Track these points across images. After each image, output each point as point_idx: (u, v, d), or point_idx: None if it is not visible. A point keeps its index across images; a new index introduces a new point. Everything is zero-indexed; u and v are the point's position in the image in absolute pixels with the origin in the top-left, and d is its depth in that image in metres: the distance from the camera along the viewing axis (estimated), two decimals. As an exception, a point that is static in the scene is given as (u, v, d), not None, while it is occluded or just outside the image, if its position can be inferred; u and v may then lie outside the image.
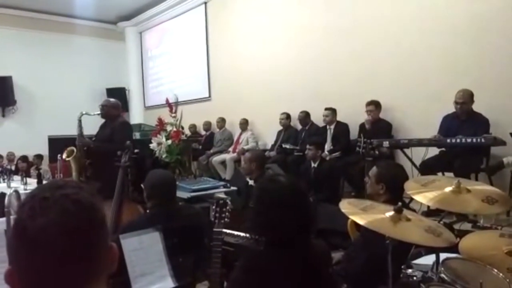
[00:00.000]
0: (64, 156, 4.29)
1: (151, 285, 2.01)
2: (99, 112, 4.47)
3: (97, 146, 4.29)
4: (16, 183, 5.20)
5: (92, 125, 4.58)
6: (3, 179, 5.51)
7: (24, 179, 5.22)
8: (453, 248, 1.82)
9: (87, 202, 0.75)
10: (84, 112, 4.44)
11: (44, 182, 5.14)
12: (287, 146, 6.22)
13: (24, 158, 8.06)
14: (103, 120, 4.68)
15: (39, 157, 8.30)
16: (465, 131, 4.07)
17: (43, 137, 8.62)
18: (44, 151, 8.37)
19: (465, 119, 4.25)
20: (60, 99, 9.59)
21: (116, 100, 4.77)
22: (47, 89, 9.61)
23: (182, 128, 5.04)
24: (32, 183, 5.12)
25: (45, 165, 8.09)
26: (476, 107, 4.27)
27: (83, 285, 0.73)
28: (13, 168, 7.68)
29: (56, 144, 8.17)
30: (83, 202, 0.74)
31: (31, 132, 9.19)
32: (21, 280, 0.72)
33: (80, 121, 4.43)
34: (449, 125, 4.34)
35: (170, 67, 10.04)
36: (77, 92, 9.70)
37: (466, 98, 4.21)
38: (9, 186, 4.92)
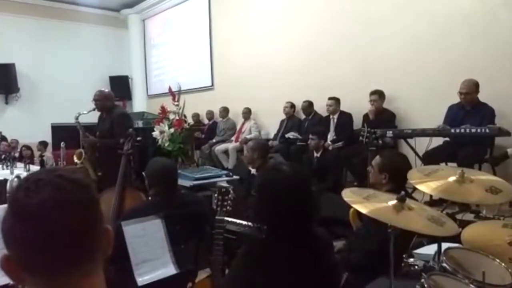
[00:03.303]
0: (75, 160, 4.30)
1: (153, 272, 2.02)
2: (94, 108, 4.43)
3: (102, 144, 4.30)
4: (19, 170, 5.22)
5: (91, 114, 4.54)
6: (6, 166, 5.53)
7: (28, 165, 5.25)
8: (455, 238, 1.82)
9: (81, 181, 0.76)
10: (80, 113, 4.40)
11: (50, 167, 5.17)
12: (290, 136, 6.20)
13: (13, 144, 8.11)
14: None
15: (43, 143, 8.32)
16: (470, 121, 4.05)
17: (46, 124, 8.63)
18: (47, 138, 8.40)
19: (470, 109, 4.22)
20: (63, 87, 9.59)
21: (108, 90, 4.72)
22: (50, 76, 9.59)
23: (185, 116, 5.03)
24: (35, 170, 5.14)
25: (48, 153, 8.11)
26: (482, 97, 4.24)
27: (78, 265, 0.74)
28: (16, 155, 7.70)
29: (59, 131, 8.19)
30: (78, 180, 0.75)
31: (34, 120, 9.20)
32: (17, 264, 0.72)
33: (78, 122, 4.40)
34: (455, 114, 4.31)
35: (173, 56, 9.99)
36: (80, 79, 9.68)
37: (470, 88, 4.18)
38: (12, 173, 4.95)
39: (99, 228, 0.77)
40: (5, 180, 4.41)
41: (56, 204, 0.70)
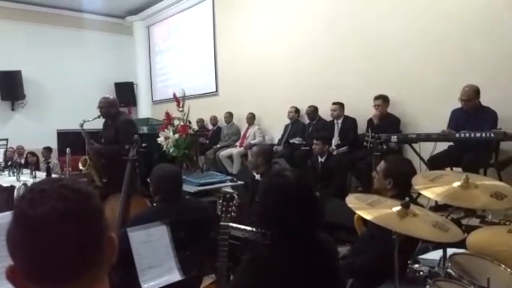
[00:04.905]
0: (80, 167, 4.31)
1: (158, 278, 2.02)
2: (99, 115, 4.45)
3: (106, 150, 4.31)
4: (26, 176, 5.25)
5: (96, 121, 4.55)
6: (13, 173, 5.57)
7: (34, 172, 5.28)
8: (460, 244, 1.81)
9: (85, 190, 0.77)
10: (84, 120, 4.41)
11: (54, 175, 5.20)
12: (296, 141, 6.20)
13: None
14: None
15: (48, 149, 8.38)
16: (472, 125, 4.04)
17: (52, 131, 8.69)
18: (53, 144, 8.45)
19: (473, 113, 4.22)
20: (69, 93, 9.67)
21: (113, 97, 4.73)
22: (56, 83, 9.68)
23: (190, 122, 5.04)
24: (41, 177, 5.17)
25: (54, 159, 8.16)
26: (487, 101, 4.23)
27: (84, 274, 0.74)
28: (22, 161, 7.76)
29: (65, 138, 8.25)
30: (81, 190, 0.76)
31: (40, 126, 9.27)
32: (23, 275, 0.72)
33: (83, 129, 4.40)
34: (458, 118, 4.31)
35: (177, 62, 10.06)
36: (86, 86, 9.74)
37: (470, 95, 4.18)
38: (18, 180, 4.98)
39: (103, 237, 0.78)
40: (12, 187, 4.44)
41: (60, 214, 0.71)
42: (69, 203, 0.72)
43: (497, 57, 4.55)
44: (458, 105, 4.36)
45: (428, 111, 5.06)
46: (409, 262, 1.84)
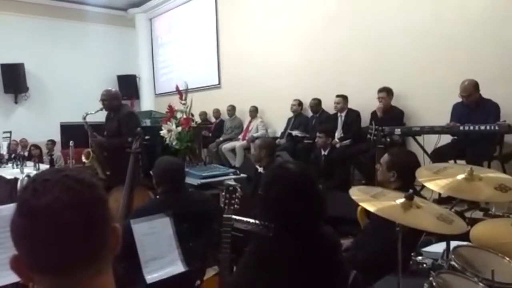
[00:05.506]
0: (83, 160, 4.32)
1: (161, 270, 2.03)
2: (101, 107, 4.44)
3: (109, 143, 4.32)
4: (29, 168, 5.27)
5: (99, 113, 4.55)
6: (16, 165, 5.59)
7: (37, 165, 5.30)
8: (464, 236, 1.81)
9: (88, 180, 0.76)
10: (87, 113, 4.40)
11: (57, 167, 5.21)
12: (298, 134, 6.19)
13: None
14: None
15: (53, 142, 8.41)
16: (474, 119, 4.02)
17: (55, 123, 8.72)
18: (56, 137, 8.48)
19: (474, 107, 4.20)
20: (72, 86, 9.68)
21: (115, 90, 4.72)
22: (58, 76, 9.68)
23: (192, 115, 5.04)
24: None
25: (57, 151, 8.19)
26: (490, 95, 4.20)
27: (87, 264, 0.74)
28: (26, 154, 7.79)
29: (68, 130, 8.27)
30: (85, 180, 0.75)
31: (43, 119, 9.30)
32: (27, 265, 0.72)
33: (86, 122, 4.40)
34: (460, 113, 4.28)
35: (180, 54, 10.03)
36: (88, 79, 9.74)
37: (470, 90, 4.16)
38: (22, 172, 5.00)
39: (107, 227, 0.77)
40: (15, 179, 4.46)
41: (64, 204, 0.70)
42: (72, 193, 0.72)
43: (500, 53, 4.51)
44: (460, 99, 4.34)
45: (432, 104, 5.03)
46: (412, 254, 1.84)
